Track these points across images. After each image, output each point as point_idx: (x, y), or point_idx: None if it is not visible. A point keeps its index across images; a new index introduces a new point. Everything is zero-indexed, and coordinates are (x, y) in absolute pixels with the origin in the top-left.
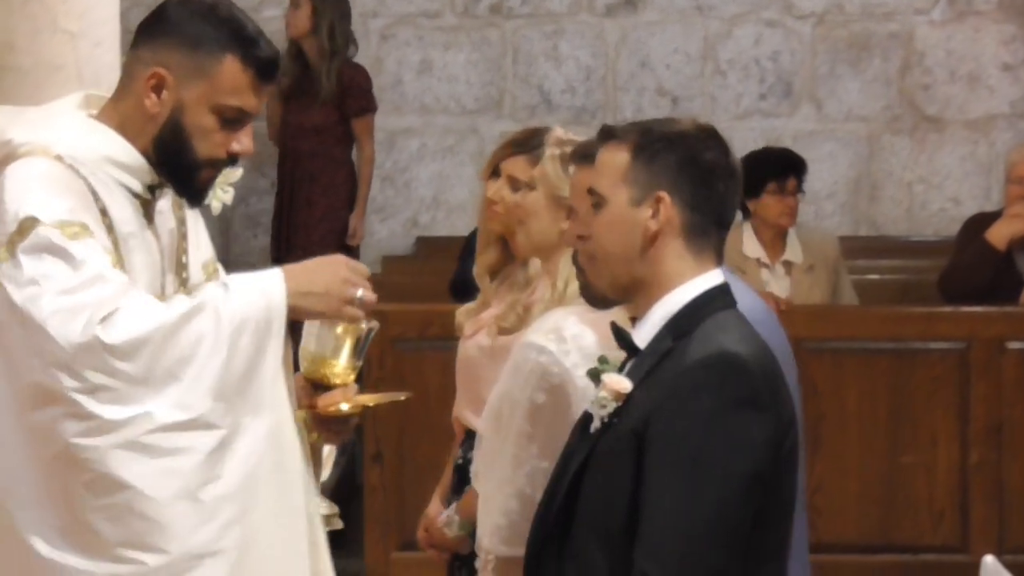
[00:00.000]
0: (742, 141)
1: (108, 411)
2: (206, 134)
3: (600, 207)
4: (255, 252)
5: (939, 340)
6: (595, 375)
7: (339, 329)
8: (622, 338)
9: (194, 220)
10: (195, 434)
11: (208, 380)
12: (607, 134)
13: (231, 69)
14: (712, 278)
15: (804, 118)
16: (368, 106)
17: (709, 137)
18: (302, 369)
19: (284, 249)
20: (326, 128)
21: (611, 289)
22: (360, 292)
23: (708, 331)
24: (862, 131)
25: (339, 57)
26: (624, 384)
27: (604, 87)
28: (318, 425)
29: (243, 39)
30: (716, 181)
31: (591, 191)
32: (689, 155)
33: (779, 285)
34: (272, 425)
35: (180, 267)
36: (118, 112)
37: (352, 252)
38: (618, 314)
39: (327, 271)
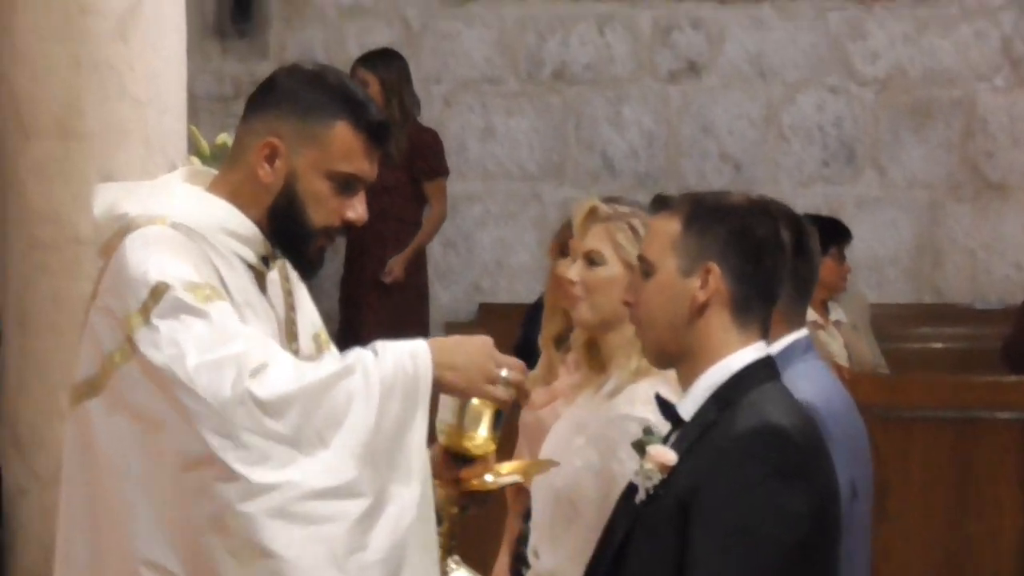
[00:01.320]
0: (804, 207)
1: (257, 473)
2: (321, 201)
3: (649, 275)
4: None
5: (1004, 409)
6: (640, 447)
7: (476, 400)
8: (667, 410)
9: (300, 291)
10: (343, 502)
11: (357, 444)
12: (660, 203)
13: (343, 135)
14: (757, 350)
15: (867, 184)
16: (439, 168)
17: (760, 211)
18: (441, 440)
19: (353, 312)
20: (396, 189)
21: (655, 357)
22: (504, 372)
23: (752, 403)
24: (925, 197)
25: (409, 122)
26: (669, 456)
27: (666, 153)
28: (462, 498)
29: (354, 104)
30: (765, 255)
31: (641, 258)
32: (740, 228)
33: (836, 344)
34: (419, 496)
35: (291, 337)
36: (230, 183)
37: (415, 317)
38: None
39: (473, 348)
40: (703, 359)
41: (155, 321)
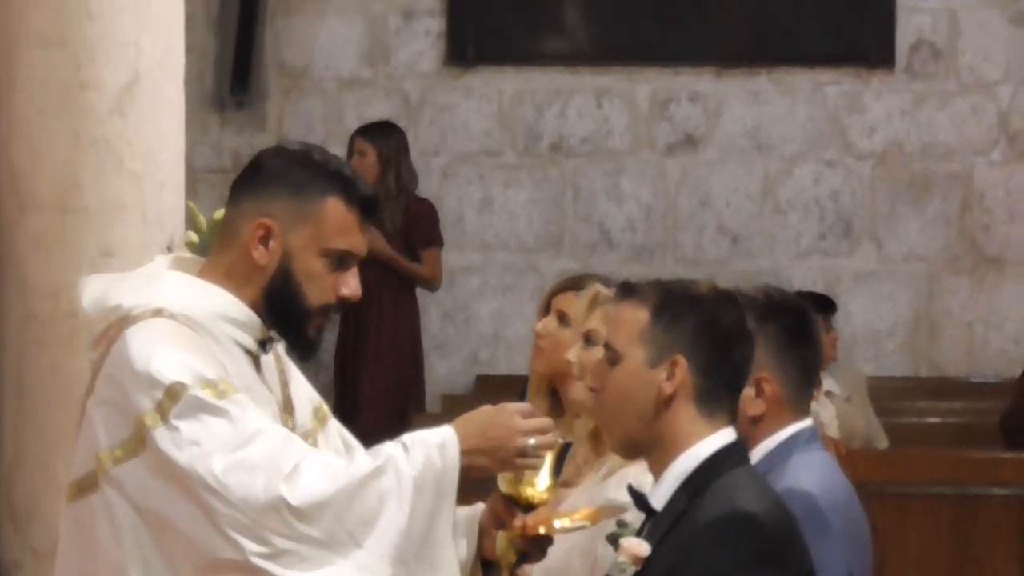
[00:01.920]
0: (802, 280)
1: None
2: (316, 279)
3: (615, 363)
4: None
5: (1002, 486)
6: (614, 539)
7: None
8: (639, 500)
9: (291, 368)
10: None
11: (389, 544)
12: (627, 290)
13: (335, 210)
14: (724, 436)
15: (864, 257)
16: (434, 238)
17: (727, 302)
18: (501, 489)
19: (350, 385)
20: (388, 256)
21: (622, 446)
22: (532, 441)
23: (722, 489)
24: (922, 271)
25: (405, 194)
26: (642, 548)
27: (664, 225)
28: (525, 545)
29: (343, 180)
30: (733, 347)
31: (607, 346)
32: (708, 320)
33: (827, 414)
34: None
35: (288, 414)
36: (223, 267)
37: (412, 389)
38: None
39: (498, 426)
40: (671, 448)
41: (174, 422)
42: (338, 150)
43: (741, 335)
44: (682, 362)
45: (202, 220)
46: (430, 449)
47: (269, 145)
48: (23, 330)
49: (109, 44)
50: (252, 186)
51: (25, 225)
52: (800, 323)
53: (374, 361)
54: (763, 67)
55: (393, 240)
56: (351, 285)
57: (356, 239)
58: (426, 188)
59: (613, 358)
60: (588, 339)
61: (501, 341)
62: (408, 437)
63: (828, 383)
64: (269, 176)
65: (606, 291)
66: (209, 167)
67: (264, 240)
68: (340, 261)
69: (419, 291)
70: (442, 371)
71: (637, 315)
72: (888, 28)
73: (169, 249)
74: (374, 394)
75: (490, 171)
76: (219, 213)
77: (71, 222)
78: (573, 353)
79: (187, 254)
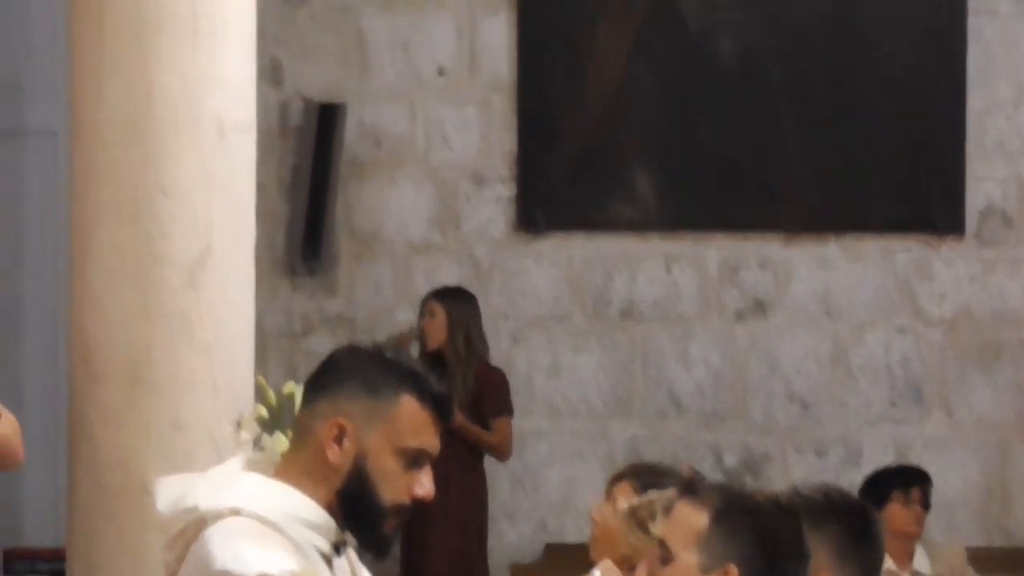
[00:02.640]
0: (872, 447)
1: None
2: (391, 478)
3: (667, 562)
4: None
5: None
6: None
7: None
8: None
9: (363, 572)
10: None
11: None
12: (689, 489)
13: (409, 409)
14: None
15: (935, 424)
16: (504, 408)
17: (787, 515)
18: None
19: (416, 552)
20: (462, 429)
21: None
22: None
23: None
24: (993, 438)
25: (475, 361)
26: None
27: (733, 391)
28: None
29: (416, 378)
30: (788, 564)
31: (662, 543)
32: (765, 534)
33: None
34: None
35: None
36: (299, 467)
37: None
38: None
39: None
40: None
41: None
42: (408, 315)
43: (797, 552)
44: (734, 572)
45: (271, 394)
46: None
47: (340, 310)
48: (93, 503)
49: (182, 218)
50: (326, 386)
51: (96, 397)
52: (862, 524)
53: (437, 526)
54: (832, 233)
55: (463, 407)
56: (425, 485)
57: (430, 438)
58: (496, 352)
59: (666, 556)
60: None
61: (570, 508)
62: None
63: (919, 561)
64: (343, 375)
65: (648, 504)
66: (280, 332)
67: (339, 440)
68: (414, 460)
69: (488, 459)
70: (511, 538)
71: (696, 518)
72: (958, 195)
73: (239, 424)
74: (438, 560)
75: (560, 336)
76: (288, 387)
77: (142, 395)
78: (597, 510)
79: (258, 455)
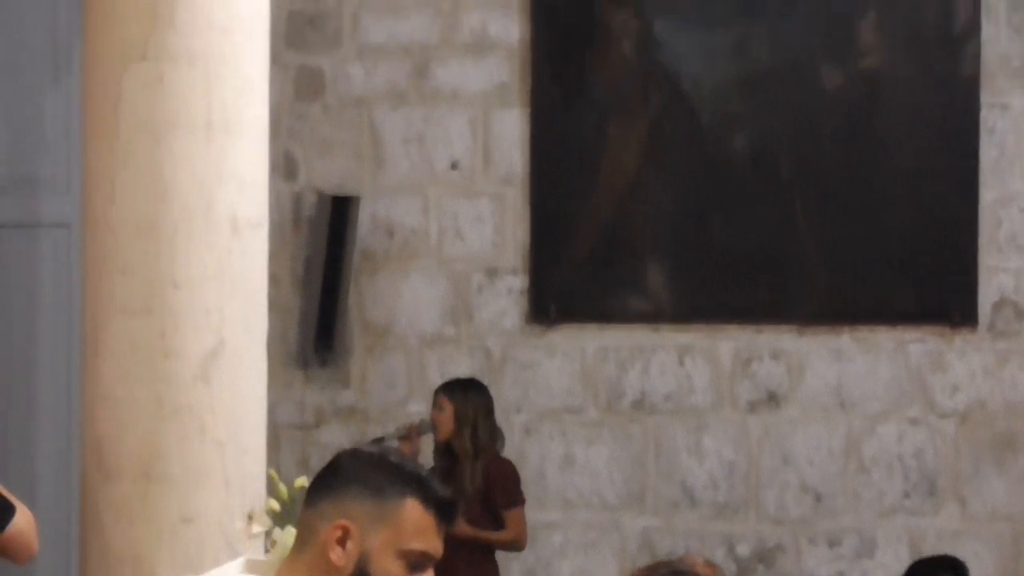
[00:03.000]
0: (886, 539)
1: None
2: None
3: None
4: None
5: None
6: None
7: None
8: None
9: None
10: None
11: None
12: None
13: (413, 512)
14: None
15: (948, 517)
16: (515, 499)
17: None
18: None
19: None
20: (471, 522)
21: None
22: None
23: None
24: (1008, 530)
25: (485, 455)
26: None
27: (747, 483)
28: None
29: (420, 482)
30: None
31: None
32: None
33: None
34: None
35: None
36: (301, 568)
37: None
38: None
39: None
40: None
41: None
42: (421, 407)
43: None
44: None
45: (283, 488)
46: None
47: (353, 403)
48: None
49: (194, 312)
50: (331, 487)
51: (108, 493)
52: None
53: None
54: (845, 325)
55: (473, 502)
56: None
57: (433, 541)
58: (508, 444)
59: None
60: None
61: None
62: None
63: None
64: (349, 477)
65: None
66: (292, 424)
67: (342, 541)
68: (417, 564)
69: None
70: None
71: None
72: (971, 287)
73: (250, 518)
74: None
75: (572, 428)
76: (300, 481)
77: (153, 490)
78: None
79: (260, 556)
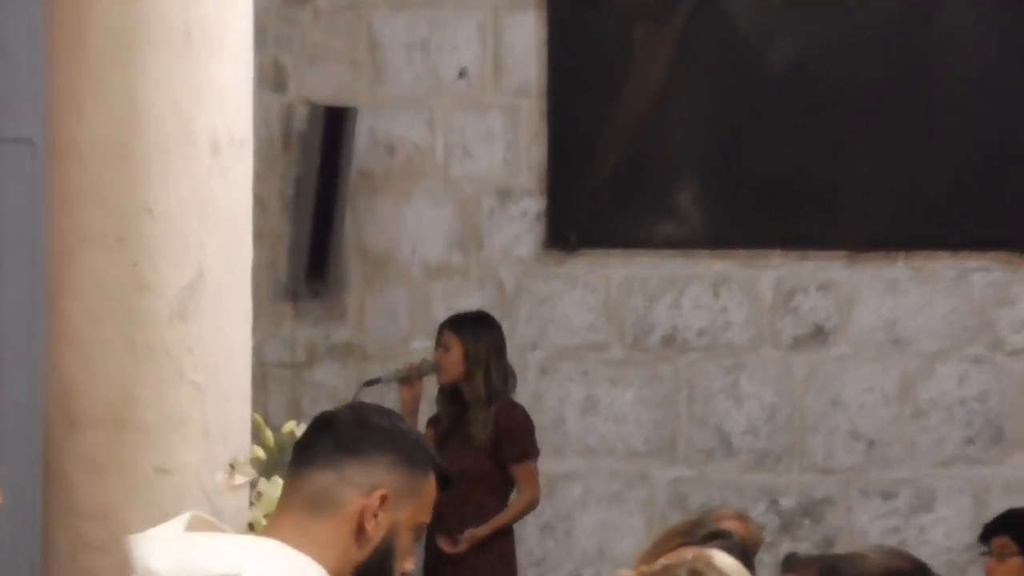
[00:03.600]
0: (947, 491)
1: None
2: (404, 556)
3: None
4: None
5: None
6: None
7: None
8: None
9: None
10: None
11: None
12: (788, 565)
13: (431, 487)
14: None
15: (1016, 466)
16: (528, 451)
17: None
18: None
19: None
20: (477, 476)
21: None
22: None
23: None
24: None
25: (497, 401)
26: None
27: (790, 428)
28: None
29: (433, 456)
30: None
31: None
32: None
33: None
34: None
35: None
36: (323, 536)
37: None
38: None
39: None
40: None
41: None
42: (424, 345)
43: None
44: None
45: (270, 435)
46: None
47: (349, 339)
48: (72, 560)
49: (170, 241)
50: (360, 452)
51: (75, 443)
52: None
53: (452, 569)
54: (900, 252)
55: (481, 456)
56: (412, 560)
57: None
58: (522, 386)
59: None
60: None
61: (607, 558)
62: None
63: None
64: (379, 443)
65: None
66: (281, 362)
67: (377, 513)
68: (417, 536)
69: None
70: None
71: None
72: None
73: (232, 468)
74: None
75: (595, 368)
76: (289, 426)
77: (126, 439)
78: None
79: (206, 515)
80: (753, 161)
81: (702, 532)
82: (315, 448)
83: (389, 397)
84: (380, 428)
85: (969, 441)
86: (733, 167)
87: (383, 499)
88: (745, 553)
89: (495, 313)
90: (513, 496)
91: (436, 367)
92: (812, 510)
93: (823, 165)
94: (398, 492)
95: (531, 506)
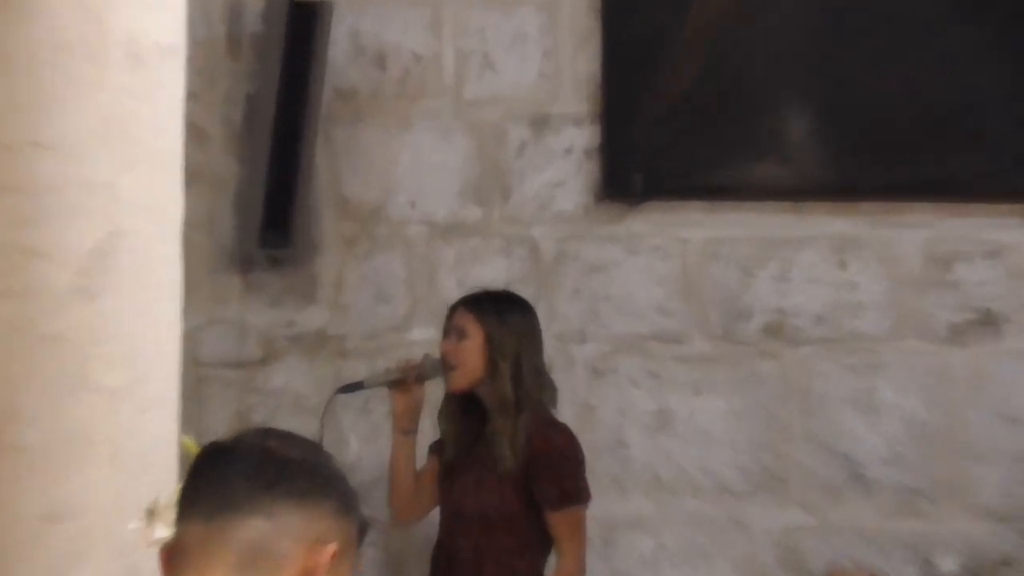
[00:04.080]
0: None
1: None
2: None
3: None
4: None
5: None
6: None
7: None
8: None
9: None
10: None
11: None
12: None
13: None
14: None
15: None
16: (572, 492)
17: None
18: None
19: None
20: (502, 523)
21: None
22: None
23: None
24: None
25: (527, 413)
26: None
27: (948, 454)
28: None
29: (358, 501)
30: None
31: None
32: None
33: None
34: None
35: None
36: None
37: None
38: None
39: None
40: None
41: None
42: (428, 334)
43: None
44: None
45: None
46: None
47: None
48: None
49: (70, 187)
50: (299, 494)
51: None
52: None
53: None
54: None
55: (506, 490)
56: None
57: None
58: (567, 394)
59: None
60: None
61: None
62: None
63: None
64: (321, 485)
65: None
66: (225, 360)
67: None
68: None
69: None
70: None
71: None
72: None
73: (151, 512)
74: None
75: (668, 368)
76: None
77: (5, 469)
78: None
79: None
80: (889, 79)
81: None
82: (231, 487)
83: (378, 408)
84: (308, 463)
85: None
86: (860, 86)
87: (334, 556)
88: None
89: (527, 291)
90: (551, 566)
91: (444, 366)
92: (983, 573)
93: (991, 86)
94: (345, 546)
95: (573, 571)
